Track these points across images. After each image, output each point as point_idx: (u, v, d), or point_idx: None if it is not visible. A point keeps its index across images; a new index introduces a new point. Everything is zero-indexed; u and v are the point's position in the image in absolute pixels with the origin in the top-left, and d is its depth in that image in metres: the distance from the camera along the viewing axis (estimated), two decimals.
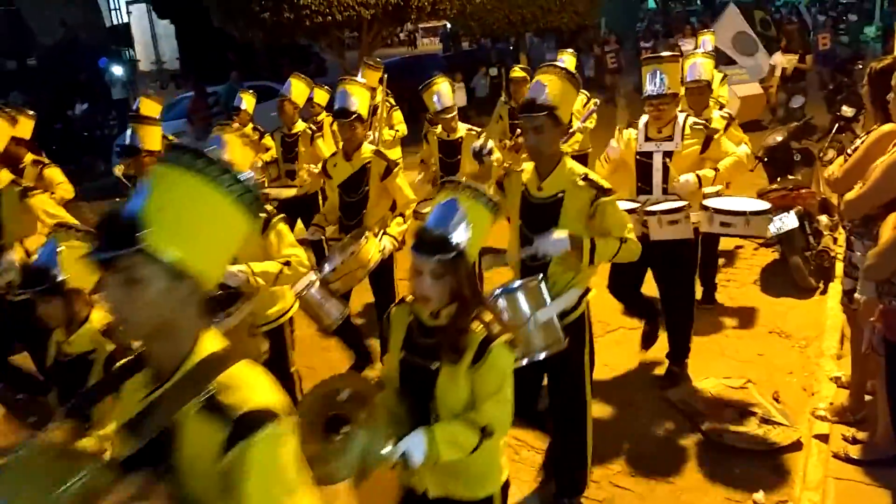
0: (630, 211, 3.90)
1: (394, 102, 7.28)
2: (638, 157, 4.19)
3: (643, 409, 4.28)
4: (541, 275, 2.97)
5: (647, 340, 4.67)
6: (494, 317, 2.21)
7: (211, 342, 1.43)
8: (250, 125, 7.01)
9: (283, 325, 3.78)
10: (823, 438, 3.76)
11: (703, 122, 4.26)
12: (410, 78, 16.10)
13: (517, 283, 2.94)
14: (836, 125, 7.95)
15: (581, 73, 15.15)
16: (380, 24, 10.70)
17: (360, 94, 4.54)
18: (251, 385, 1.39)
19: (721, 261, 6.15)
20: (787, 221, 5.58)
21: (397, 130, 7.31)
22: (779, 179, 6.02)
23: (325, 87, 7.40)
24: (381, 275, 4.38)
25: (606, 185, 3.01)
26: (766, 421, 3.98)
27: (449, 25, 22.06)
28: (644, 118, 4.25)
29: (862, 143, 3.35)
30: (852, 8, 22.07)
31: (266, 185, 6.34)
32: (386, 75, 6.95)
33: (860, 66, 10.65)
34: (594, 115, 6.86)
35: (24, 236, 4.61)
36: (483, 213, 2.22)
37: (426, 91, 5.90)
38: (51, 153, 12.13)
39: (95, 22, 19.50)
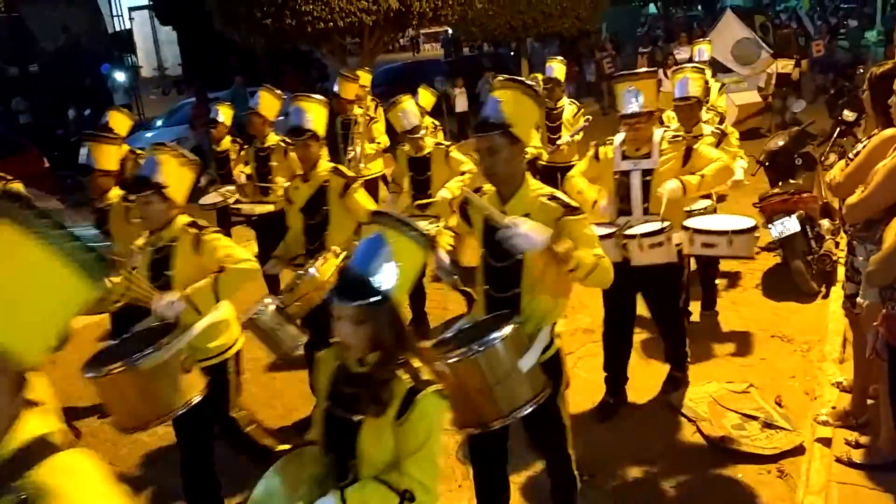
0: (607, 236, 3.75)
1: (374, 114, 7.19)
2: (616, 176, 4.03)
3: (645, 413, 4.27)
4: (516, 316, 2.67)
5: (607, 412, 4.28)
6: (426, 361, 2.02)
7: (36, 424, 1.18)
8: (228, 138, 6.86)
9: (227, 362, 3.45)
10: (826, 443, 3.75)
11: (681, 134, 4.07)
12: (412, 84, 16.22)
13: (495, 335, 2.51)
14: (838, 129, 7.94)
15: (582, 79, 15.02)
16: (381, 30, 10.72)
17: (316, 110, 4.28)
18: (79, 491, 1.12)
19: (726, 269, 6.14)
20: (789, 225, 5.58)
21: (379, 143, 7.16)
22: (780, 184, 6.03)
23: (276, 92, 7.31)
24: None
25: (575, 204, 2.79)
26: (768, 425, 3.97)
27: (450, 31, 22.09)
28: (620, 136, 4.08)
29: (864, 147, 3.35)
30: (852, 13, 22.06)
31: (243, 200, 6.20)
32: (367, 87, 7.00)
33: (861, 71, 10.70)
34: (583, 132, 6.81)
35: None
36: (412, 250, 2.01)
37: (391, 110, 5.62)
38: (52, 159, 12.21)
39: (98, 28, 19.54)
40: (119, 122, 5.65)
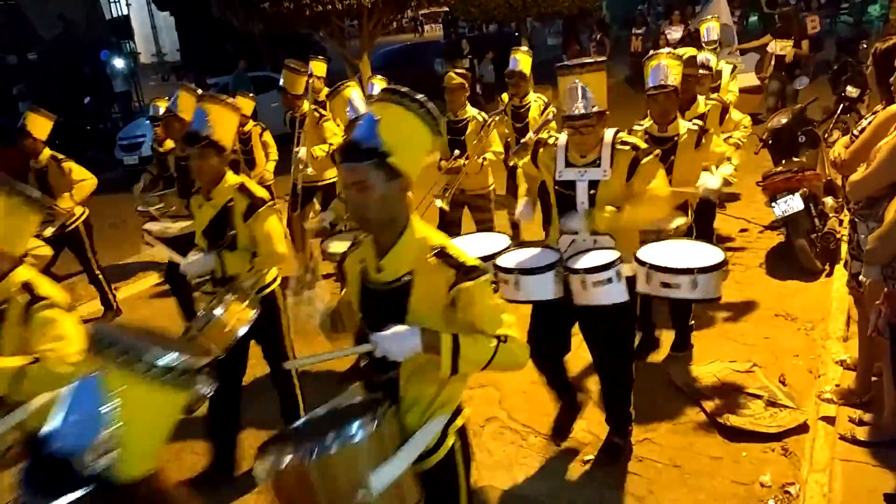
0: (545, 268, 3.22)
1: (325, 112, 6.22)
2: (557, 187, 3.37)
3: (648, 391, 4.28)
4: (383, 406, 2.07)
5: (560, 432, 3.91)
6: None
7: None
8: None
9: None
10: (830, 421, 3.77)
11: (632, 141, 3.33)
12: (413, 66, 16.14)
13: (333, 436, 1.91)
14: (841, 106, 7.91)
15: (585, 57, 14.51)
16: (380, 12, 10.65)
17: (221, 115, 3.59)
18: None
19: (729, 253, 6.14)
20: (793, 204, 5.57)
21: (331, 144, 6.02)
22: (783, 162, 6.00)
23: (250, 94, 7.12)
24: (265, 332, 3.75)
25: (471, 261, 2.13)
26: (772, 404, 3.99)
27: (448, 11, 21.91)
28: (563, 137, 3.43)
29: (868, 124, 3.33)
30: None
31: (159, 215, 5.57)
32: (311, 79, 6.37)
33: (865, 46, 10.53)
34: (552, 125, 5.80)
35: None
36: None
37: (334, 98, 5.16)
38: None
39: (95, 15, 19.43)
40: (38, 125, 6.04)
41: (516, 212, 3.79)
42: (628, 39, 16.24)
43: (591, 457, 3.76)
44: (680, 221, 4.03)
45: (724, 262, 3.30)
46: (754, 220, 6.85)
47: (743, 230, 6.76)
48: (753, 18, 16.83)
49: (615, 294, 3.15)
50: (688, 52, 4.89)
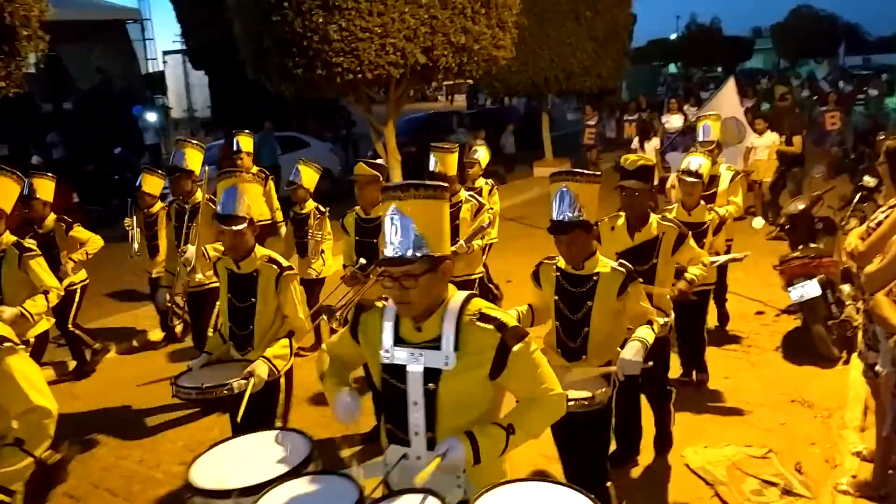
0: None
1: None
2: (384, 376, 2.27)
3: (662, 475, 4.23)
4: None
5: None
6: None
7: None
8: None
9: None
10: None
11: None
12: (434, 134, 16.53)
13: None
14: (859, 195, 7.98)
15: (603, 135, 14.66)
16: (408, 82, 10.99)
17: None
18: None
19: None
20: (809, 289, 5.59)
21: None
22: (801, 247, 6.05)
23: (159, 172, 6.71)
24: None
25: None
26: (787, 492, 3.93)
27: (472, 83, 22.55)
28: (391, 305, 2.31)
29: (886, 217, 3.38)
30: (871, 81, 22.11)
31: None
32: (240, 155, 6.88)
33: (882, 137, 10.68)
34: (490, 232, 5.87)
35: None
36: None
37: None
38: (83, 195, 12.53)
39: (132, 70, 20.18)
40: (43, 187, 5.98)
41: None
42: (620, 126, 15.99)
43: None
44: (664, 321, 3.62)
45: None
46: (770, 302, 6.85)
47: (759, 312, 6.76)
48: (766, 107, 16.92)
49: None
50: (634, 158, 4.04)
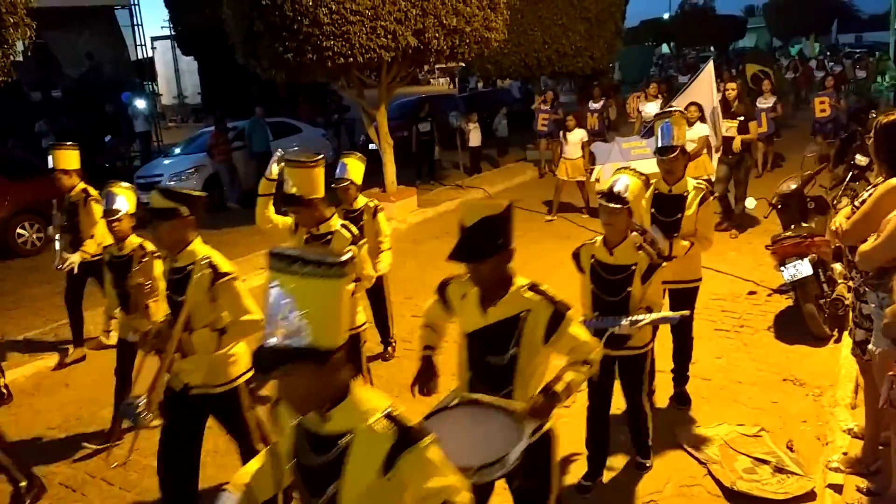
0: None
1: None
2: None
3: (655, 453, 4.26)
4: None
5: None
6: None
7: None
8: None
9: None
10: (837, 489, 3.74)
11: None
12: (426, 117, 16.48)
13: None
14: (851, 173, 8.00)
15: (601, 122, 13.52)
16: (399, 65, 10.93)
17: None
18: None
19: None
20: (801, 269, 5.61)
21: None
22: (793, 227, 6.07)
23: (68, 144, 6.36)
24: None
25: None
26: (780, 470, 3.97)
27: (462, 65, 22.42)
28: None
29: (869, 196, 3.39)
30: (860, 62, 21.81)
31: None
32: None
33: (874, 115, 10.62)
34: (380, 263, 5.38)
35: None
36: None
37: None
38: None
39: (121, 56, 19.96)
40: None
41: None
42: (584, 112, 13.44)
43: None
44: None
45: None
46: (763, 282, 6.89)
47: (751, 292, 6.80)
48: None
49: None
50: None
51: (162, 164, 13.76)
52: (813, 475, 3.91)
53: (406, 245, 9.72)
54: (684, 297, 4.64)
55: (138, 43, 20.53)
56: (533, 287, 2.67)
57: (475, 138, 14.49)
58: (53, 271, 6.25)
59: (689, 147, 7.79)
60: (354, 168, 5.43)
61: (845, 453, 3.99)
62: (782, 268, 5.71)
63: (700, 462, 4.14)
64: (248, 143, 13.52)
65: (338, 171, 5.45)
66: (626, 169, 3.84)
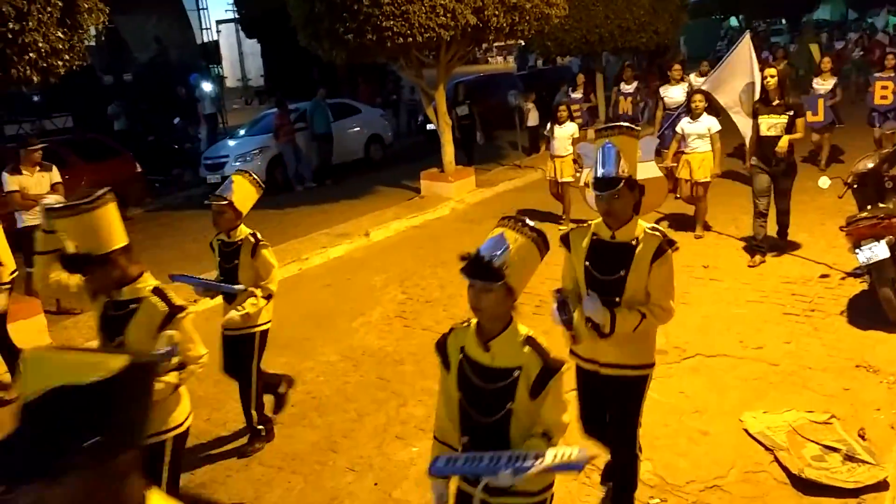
0: None
1: None
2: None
3: (721, 439, 4.19)
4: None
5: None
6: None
7: None
8: None
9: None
10: None
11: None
12: (487, 96, 16.38)
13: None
14: None
15: (636, 106, 12.35)
16: (458, 44, 10.87)
17: None
18: None
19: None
20: (878, 251, 5.38)
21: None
22: (869, 207, 5.81)
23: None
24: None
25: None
26: (850, 458, 3.85)
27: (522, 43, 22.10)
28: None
29: None
30: None
31: None
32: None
33: None
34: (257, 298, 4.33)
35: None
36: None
37: None
38: (144, 165, 12.94)
39: (187, 40, 20.50)
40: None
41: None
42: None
43: (657, 500, 3.70)
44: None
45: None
46: (836, 265, 6.64)
47: (824, 275, 6.56)
48: (802, 73, 15.39)
49: None
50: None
51: (227, 145, 14.11)
52: (886, 464, 3.78)
53: (464, 225, 9.73)
54: (626, 391, 3.29)
55: (204, 27, 21.09)
56: None
57: (533, 118, 14.33)
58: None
59: (697, 144, 7.43)
60: (241, 189, 4.37)
61: None
62: (857, 250, 5.48)
63: (766, 448, 4.05)
64: (310, 125, 13.74)
65: (221, 188, 4.46)
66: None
